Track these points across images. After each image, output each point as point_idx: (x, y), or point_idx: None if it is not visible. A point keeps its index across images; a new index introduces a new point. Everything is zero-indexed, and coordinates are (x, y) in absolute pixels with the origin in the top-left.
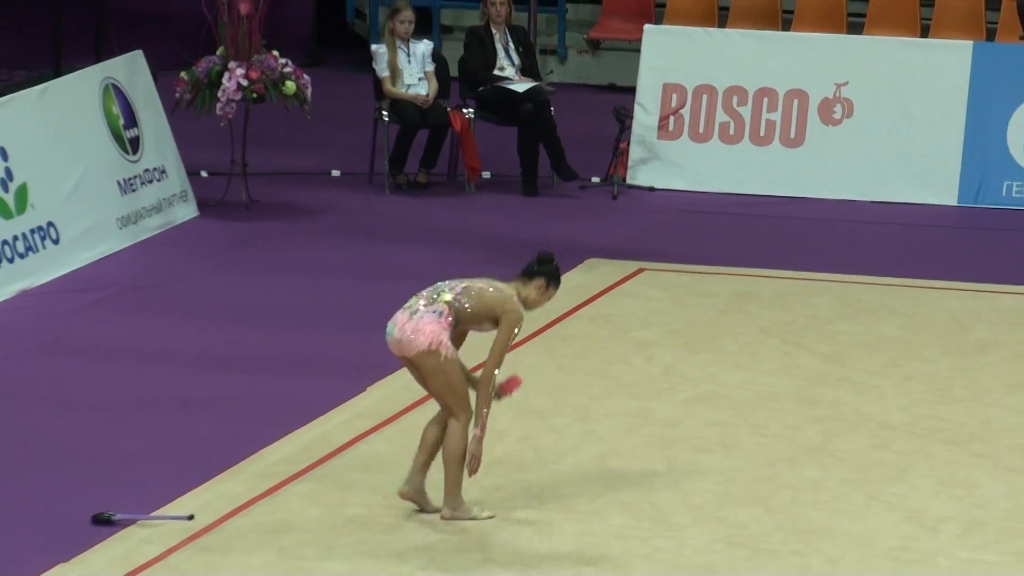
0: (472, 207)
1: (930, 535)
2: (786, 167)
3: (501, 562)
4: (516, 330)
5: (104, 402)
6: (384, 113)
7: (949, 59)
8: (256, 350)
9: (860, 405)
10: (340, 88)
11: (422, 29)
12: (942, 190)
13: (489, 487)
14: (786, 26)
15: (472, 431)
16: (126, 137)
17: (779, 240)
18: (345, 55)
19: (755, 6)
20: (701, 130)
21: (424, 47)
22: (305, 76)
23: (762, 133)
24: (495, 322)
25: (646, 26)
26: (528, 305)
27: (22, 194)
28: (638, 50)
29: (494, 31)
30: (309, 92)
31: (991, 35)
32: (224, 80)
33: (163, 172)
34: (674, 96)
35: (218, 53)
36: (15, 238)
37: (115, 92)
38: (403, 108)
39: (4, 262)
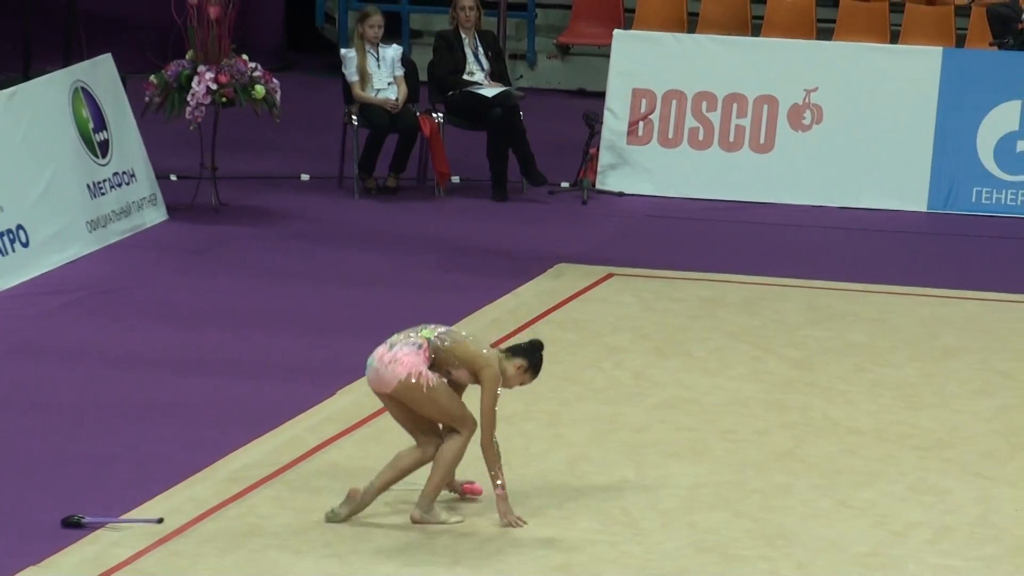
0: (441, 212)
1: (899, 540)
2: (755, 173)
3: (470, 566)
4: (497, 390)
5: (72, 405)
6: (353, 117)
7: (919, 65)
8: (225, 354)
9: (829, 411)
10: (309, 92)
11: (391, 33)
12: (912, 196)
13: None
14: (756, 32)
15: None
16: (95, 140)
17: (748, 245)
18: (314, 59)
19: (725, 12)
20: (670, 135)
21: (393, 51)
22: (274, 80)
23: (731, 139)
24: (473, 374)
25: (616, 31)
26: (503, 380)
27: None
28: (607, 55)
29: (463, 36)
30: (278, 96)
31: (960, 41)
32: (193, 84)
33: (132, 176)
34: (643, 101)
35: (188, 57)
36: None
37: (84, 95)
38: (372, 112)
39: None
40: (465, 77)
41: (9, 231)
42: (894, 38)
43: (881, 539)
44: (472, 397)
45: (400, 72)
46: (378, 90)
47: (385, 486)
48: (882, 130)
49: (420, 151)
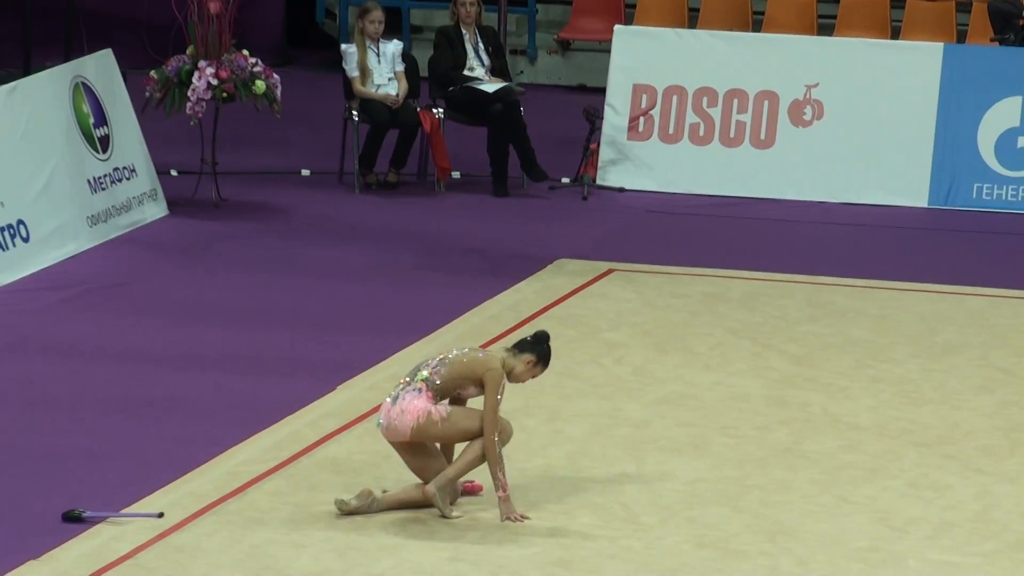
0: (442, 207)
1: (899, 536)
2: (756, 168)
3: (470, 561)
4: (500, 391)
5: (73, 400)
6: (354, 113)
7: (920, 61)
8: (225, 349)
9: (829, 406)
10: (310, 88)
11: (392, 29)
12: (912, 192)
13: None
14: (756, 27)
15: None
16: (96, 136)
17: (749, 241)
18: (315, 55)
19: (725, 7)
20: (671, 131)
21: (394, 47)
22: (275, 75)
23: (732, 134)
24: (478, 384)
25: (616, 27)
26: (512, 377)
27: None
28: (608, 51)
29: (464, 31)
30: (279, 92)
31: (961, 37)
32: (194, 79)
33: (133, 171)
34: (644, 97)
35: (188, 52)
36: None
37: (85, 91)
38: (373, 108)
39: None
40: (466, 73)
41: (9, 226)
42: (895, 34)
43: (881, 535)
44: (473, 399)
45: (401, 68)
46: (379, 86)
47: (399, 504)
48: (883, 126)
49: (420, 147)
